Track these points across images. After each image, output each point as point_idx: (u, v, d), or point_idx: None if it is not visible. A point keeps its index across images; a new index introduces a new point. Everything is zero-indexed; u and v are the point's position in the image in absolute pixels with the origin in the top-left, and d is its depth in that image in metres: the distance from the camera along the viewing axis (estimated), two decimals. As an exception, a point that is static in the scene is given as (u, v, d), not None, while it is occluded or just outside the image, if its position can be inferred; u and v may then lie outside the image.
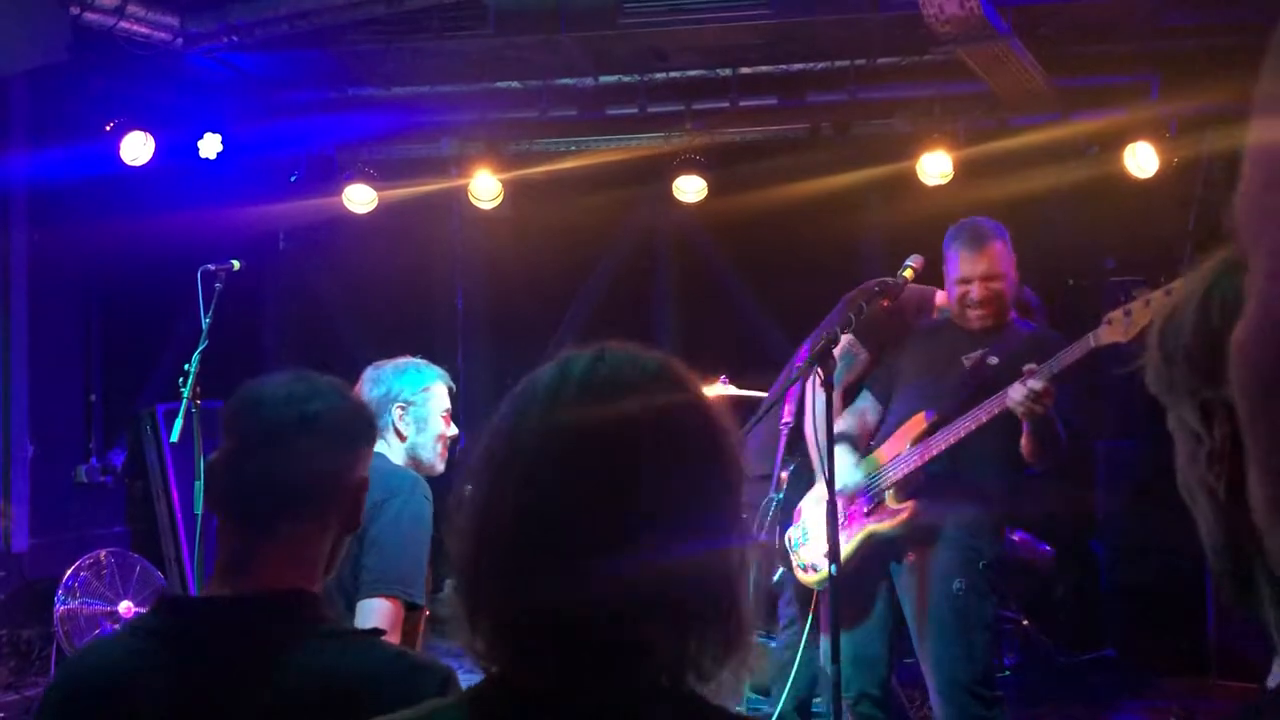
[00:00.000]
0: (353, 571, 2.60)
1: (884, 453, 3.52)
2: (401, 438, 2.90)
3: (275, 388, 1.53)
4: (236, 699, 1.40)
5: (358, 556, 2.59)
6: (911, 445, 3.43)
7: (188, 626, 1.46)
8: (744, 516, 1.05)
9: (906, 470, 3.41)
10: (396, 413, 2.90)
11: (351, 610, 2.61)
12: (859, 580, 3.45)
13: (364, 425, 1.59)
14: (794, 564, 3.63)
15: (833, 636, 3.18)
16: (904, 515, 3.40)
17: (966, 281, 3.48)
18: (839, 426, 3.48)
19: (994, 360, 3.45)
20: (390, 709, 1.08)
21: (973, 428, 3.30)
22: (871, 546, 3.46)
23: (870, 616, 3.50)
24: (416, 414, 2.91)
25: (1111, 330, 3.15)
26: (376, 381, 2.93)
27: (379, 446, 2.84)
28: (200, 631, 1.45)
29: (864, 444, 3.60)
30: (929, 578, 3.39)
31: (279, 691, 1.40)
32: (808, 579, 3.60)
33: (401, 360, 3.02)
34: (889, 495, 3.45)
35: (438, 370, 3.02)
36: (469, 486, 1.03)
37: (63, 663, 1.63)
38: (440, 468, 2.97)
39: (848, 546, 3.41)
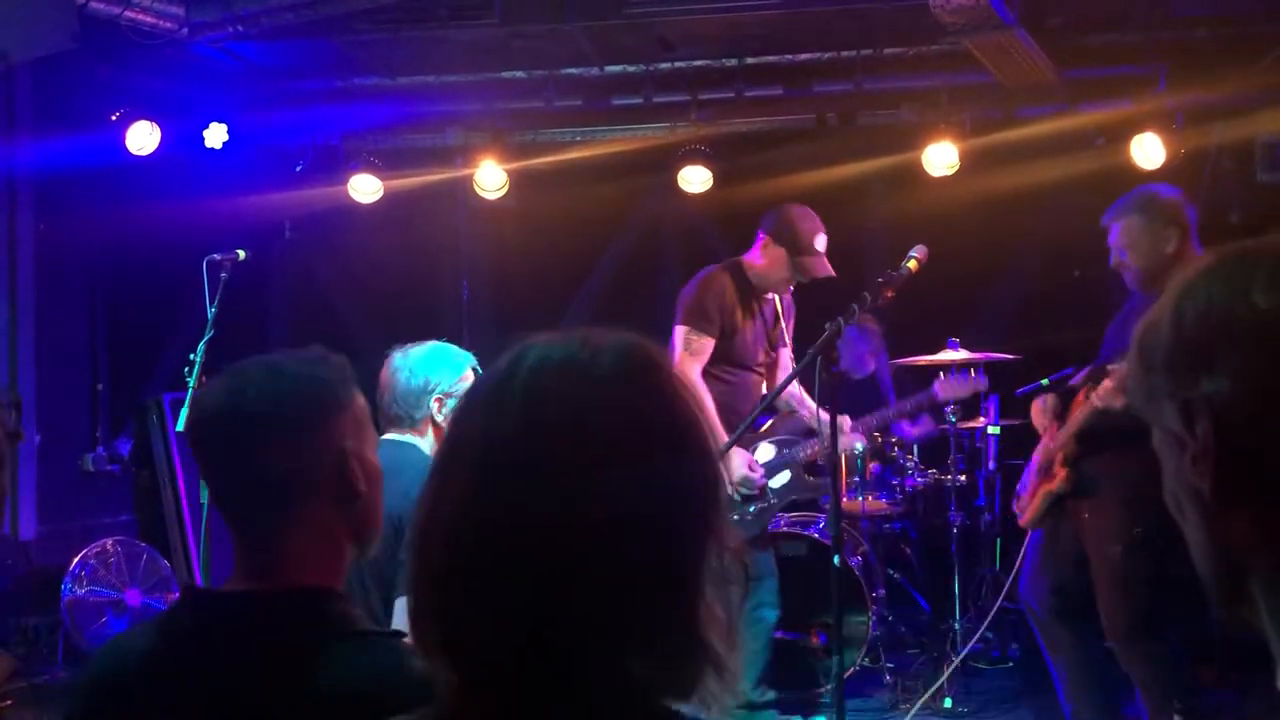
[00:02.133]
0: (391, 564, 2.53)
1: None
2: (439, 430, 2.83)
3: (212, 399, 1.51)
4: (254, 699, 1.40)
5: (396, 551, 2.47)
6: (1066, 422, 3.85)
7: (208, 623, 1.46)
8: (724, 514, 0.95)
9: (1060, 443, 3.82)
10: (434, 405, 2.83)
11: (388, 603, 2.59)
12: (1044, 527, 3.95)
13: (306, 402, 1.50)
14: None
15: (836, 623, 3.19)
16: (1059, 479, 3.81)
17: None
18: None
19: None
20: (410, 712, 1.05)
21: (1089, 413, 3.69)
22: (1050, 503, 3.87)
23: (1041, 556, 3.96)
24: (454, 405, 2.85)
25: None
26: (411, 371, 2.85)
27: (410, 437, 2.82)
28: (220, 629, 1.44)
29: None
30: (1093, 540, 3.76)
31: (296, 692, 1.39)
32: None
33: (429, 345, 2.92)
34: (1055, 462, 3.86)
35: (467, 355, 2.94)
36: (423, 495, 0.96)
37: (90, 658, 1.64)
38: None
39: (1039, 505, 3.89)
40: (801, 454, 4.43)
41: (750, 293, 4.34)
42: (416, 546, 0.95)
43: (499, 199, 6.36)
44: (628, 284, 6.90)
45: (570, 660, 0.90)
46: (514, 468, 0.90)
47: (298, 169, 6.41)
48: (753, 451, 4.41)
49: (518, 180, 6.34)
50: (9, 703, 5.06)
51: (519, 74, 5.99)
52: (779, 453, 4.45)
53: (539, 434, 0.91)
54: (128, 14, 5.04)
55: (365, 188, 6.29)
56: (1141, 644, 3.73)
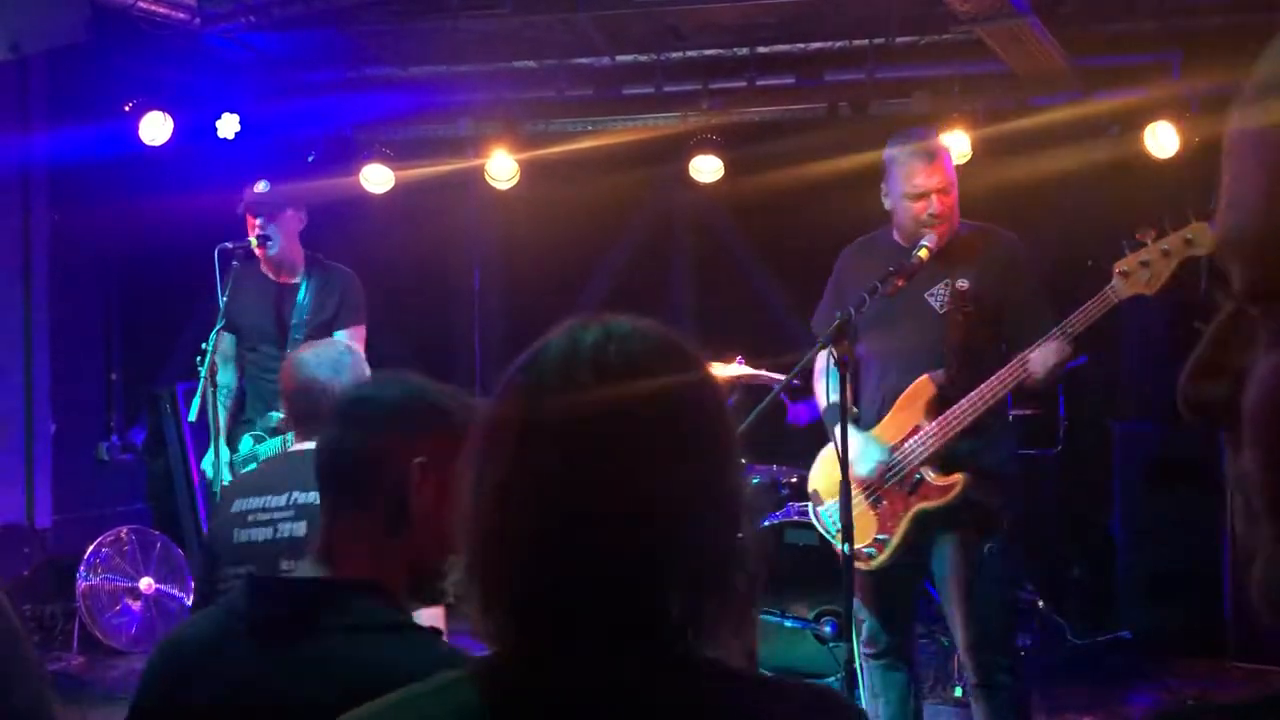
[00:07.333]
0: None
1: (895, 426, 3.44)
2: None
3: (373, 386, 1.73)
4: (293, 683, 1.46)
5: None
6: (928, 418, 3.35)
7: (264, 608, 1.53)
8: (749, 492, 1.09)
9: (938, 445, 3.34)
10: None
11: None
12: (905, 555, 3.45)
13: (415, 414, 1.62)
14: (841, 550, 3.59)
15: (845, 611, 3.20)
16: (955, 490, 3.33)
17: (924, 196, 3.44)
18: (829, 397, 3.49)
19: (964, 284, 3.39)
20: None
21: (1000, 393, 3.26)
22: (920, 523, 3.41)
23: (902, 580, 3.54)
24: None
25: (1131, 283, 3.14)
26: (337, 370, 2.80)
27: None
28: (274, 614, 1.51)
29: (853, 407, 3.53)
30: (959, 542, 3.37)
31: (333, 678, 1.44)
32: (861, 565, 3.47)
33: (334, 345, 3.17)
34: (927, 472, 3.36)
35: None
36: (477, 460, 1.04)
37: (163, 636, 1.76)
38: None
39: (901, 528, 3.39)
40: None
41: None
42: (491, 509, 1.01)
43: (510, 189, 6.37)
44: (639, 273, 6.90)
45: (638, 612, 0.99)
46: (594, 430, 0.99)
47: (310, 159, 6.43)
48: None
49: (529, 170, 6.34)
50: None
51: (530, 64, 5.99)
52: None
53: (618, 398, 1.00)
54: (140, 4, 5.06)
55: (377, 178, 6.30)
56: (1007, 661, 3.51)
